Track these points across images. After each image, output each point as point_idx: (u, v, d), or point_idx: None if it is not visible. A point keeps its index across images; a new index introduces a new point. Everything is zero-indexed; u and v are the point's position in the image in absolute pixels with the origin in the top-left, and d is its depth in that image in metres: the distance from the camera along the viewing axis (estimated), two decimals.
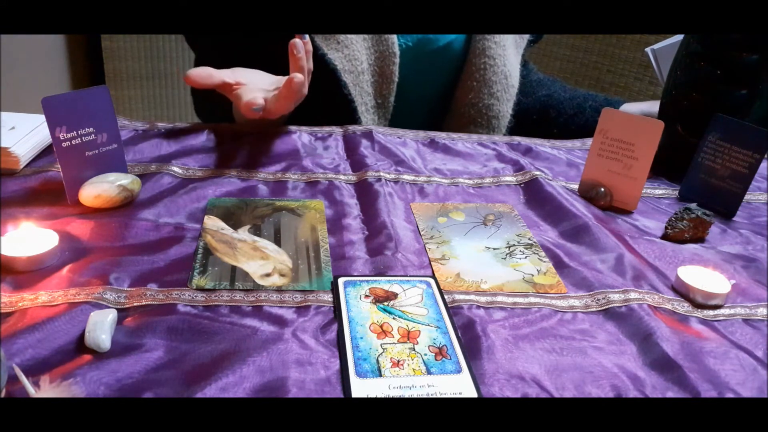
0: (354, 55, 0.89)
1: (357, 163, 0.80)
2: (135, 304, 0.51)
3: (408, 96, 0.97)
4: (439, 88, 1.01)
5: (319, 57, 0.86)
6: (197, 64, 1.01)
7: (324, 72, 0.87)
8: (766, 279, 0.62)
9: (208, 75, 0.74)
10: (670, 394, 0.46)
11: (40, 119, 0.75)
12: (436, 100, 1.03)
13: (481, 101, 0.99)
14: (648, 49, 1.00)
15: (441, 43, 0.96)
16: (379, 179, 0.74)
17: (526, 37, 1.07)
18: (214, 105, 0.93)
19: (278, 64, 0.82)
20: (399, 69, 0.93)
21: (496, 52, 0.98)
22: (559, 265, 0.62)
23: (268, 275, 0.56)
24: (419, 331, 0.50)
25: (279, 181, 0.74)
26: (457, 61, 0.99)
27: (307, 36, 0.77)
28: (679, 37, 0.87)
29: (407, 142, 0.87)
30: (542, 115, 1.09)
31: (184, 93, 0.98)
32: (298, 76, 0.71)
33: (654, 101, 0.96)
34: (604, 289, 0.58)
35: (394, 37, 0.92)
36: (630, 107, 1.02)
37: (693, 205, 0.70)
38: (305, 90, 0.76)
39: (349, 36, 0.90)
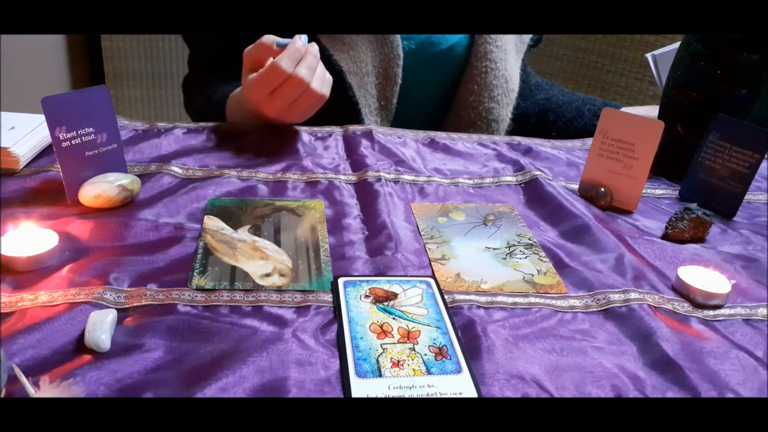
0: (359, 57, 0.90)
1: (357, 163, 0.80)
2: (135, 304, 0.51)
3: (410, 98, 0.97)
4: (440, 91, 1.02)
5: (325, 58, 0.86)
6: (191, 61, 1.00)
7: (330, 73, 0.87)
8: (766, 279, 0.62)
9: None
10: (670, 394, 0.46)
11: (40, 119, 0.75)
12: (438, 103, 1.03)
13: (482, 104, 0.99)
14: (648, 55, 1.00)
15: (444, 46, 0.97)
16: (379, 179, 0.74)
17: (527, 41, 1.07)
18: (207, 101, 0.93)
19: None
20: (402, 71, 0.93)
21: (497, 56, 0.98)
22: (560, 265, 0.62)
23: (268, 275, 0.56)
24: (419, 331, 0.50)
25: (279, 181, 0.74)
26: (459, 64, 0.99)
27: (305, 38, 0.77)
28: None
29: (407, 142, 0.87)
30: (541, 119, 1.09)
31: None
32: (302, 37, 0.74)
33: (653, 106, 0.96)
34: (605, 289, 0.58)
35: (398, 39, 0.92)
36: (629, 111, 1.02)
37: (693, 205, 0.70)
38: (327, 90, 0.78)
39: (354, 38, 0.90)
